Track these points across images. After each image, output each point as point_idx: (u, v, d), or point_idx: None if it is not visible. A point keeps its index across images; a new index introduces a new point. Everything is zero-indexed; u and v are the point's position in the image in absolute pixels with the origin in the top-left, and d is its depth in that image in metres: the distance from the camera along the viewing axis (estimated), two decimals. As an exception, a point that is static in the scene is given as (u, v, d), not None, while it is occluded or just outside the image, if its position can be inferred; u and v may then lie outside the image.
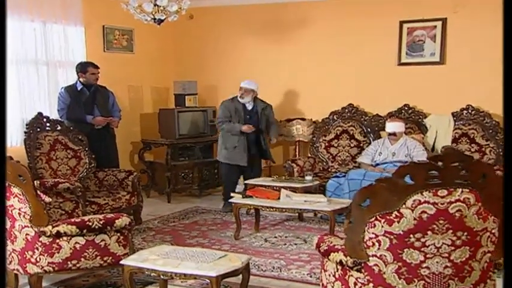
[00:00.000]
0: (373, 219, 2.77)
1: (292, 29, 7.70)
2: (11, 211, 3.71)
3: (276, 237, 5.58)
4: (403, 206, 2.68)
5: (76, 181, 5.55)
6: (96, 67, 6.37)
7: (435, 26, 6.82)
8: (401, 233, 2.71)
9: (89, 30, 7.09)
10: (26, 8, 6.21)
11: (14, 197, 3.66)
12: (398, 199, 2.69)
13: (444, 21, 6.76)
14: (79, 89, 6.34)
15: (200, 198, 7.63)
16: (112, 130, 6.56)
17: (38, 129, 5.89)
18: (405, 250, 2.74)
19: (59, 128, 6.08)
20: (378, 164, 6.45)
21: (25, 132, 5.79)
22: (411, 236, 2.71)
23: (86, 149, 6.15)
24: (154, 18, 5.17)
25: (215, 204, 7.22)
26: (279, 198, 5.36)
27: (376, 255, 2.80)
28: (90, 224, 3.78)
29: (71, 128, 6.17)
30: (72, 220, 3.81)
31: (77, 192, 5.23)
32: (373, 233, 2.78)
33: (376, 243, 2.79)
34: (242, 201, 5.48)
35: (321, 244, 3.21)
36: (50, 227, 3.69)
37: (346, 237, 2.96)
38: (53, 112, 6.45)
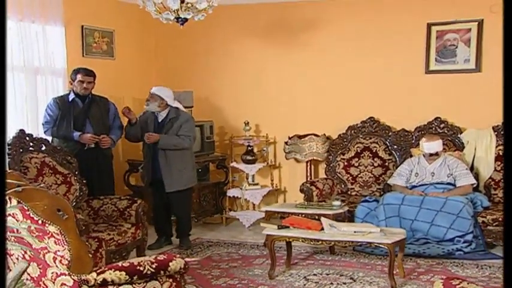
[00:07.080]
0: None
1: (302, 32, 7.47)
2: (43, 255, 3.27)
3: (315, 274, 5.28)
4: None
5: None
6: (88, 74, 5.96)
7: (469, 29, 6.73)
8: None
9: (68, 31, 6.64)
10: None
11: (49, 237, 3.22)
12: None
13: (480, 22, 6.66)
14: (70, 99, 5.92)
15: (197, 228, 7.26)
16: (108, 150, 6.12)
17: (21, 150, 5.41)
18: None
19: (43, 148, 5.62)
20: (414, 187, 6.30)
21: (8, 154, 5.28)
22: None
23: (76, 172, 5.72)
24: (178, 17, 4.81)
25: (218, 236, 6.91)
26: (322, 229, 5.08)
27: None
28: (142, 268, 3.38)
29: (59, 147, 5.72)
30: (120, 265, 3.41)
31: (80, 226, 4.77)
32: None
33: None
34: (279, 233, 5.16)
35: (453, 290, 2.94)
36: (94, 274, 3.28)
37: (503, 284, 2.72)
38: (31, 128, 5.97)
